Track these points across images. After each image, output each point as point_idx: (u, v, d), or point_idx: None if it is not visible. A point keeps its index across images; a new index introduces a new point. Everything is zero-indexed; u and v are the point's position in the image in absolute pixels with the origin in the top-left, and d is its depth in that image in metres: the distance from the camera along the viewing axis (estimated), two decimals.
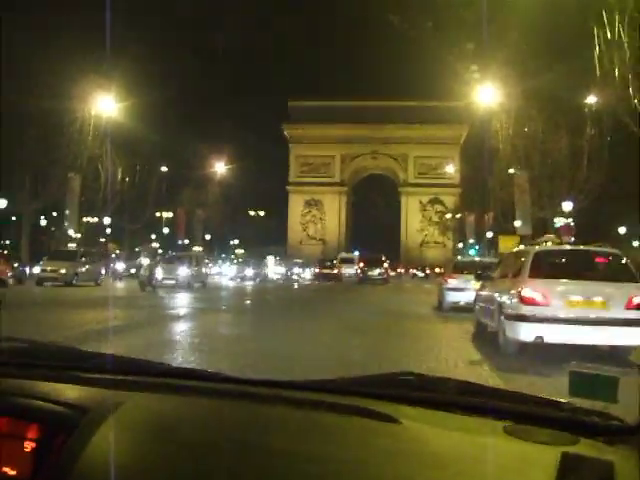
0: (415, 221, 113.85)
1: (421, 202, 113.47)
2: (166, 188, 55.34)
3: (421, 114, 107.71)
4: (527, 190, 33.53)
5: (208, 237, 68.40)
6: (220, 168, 60.02)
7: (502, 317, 12.31)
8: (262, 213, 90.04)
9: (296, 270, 60.91)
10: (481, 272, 16.40)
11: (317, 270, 59.30)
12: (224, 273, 56.97)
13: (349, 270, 56.71)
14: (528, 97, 32.27)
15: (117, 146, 43.51)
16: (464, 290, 20.40)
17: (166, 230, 63.69)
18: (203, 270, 39.11)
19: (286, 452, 1.32)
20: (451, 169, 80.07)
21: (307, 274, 65.40)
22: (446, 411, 1.54)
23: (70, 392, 1.61)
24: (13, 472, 1.38)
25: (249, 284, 46.15)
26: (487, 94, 32.83)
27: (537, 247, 13.08)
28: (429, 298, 26.67)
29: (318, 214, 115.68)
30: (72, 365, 1.86)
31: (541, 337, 11.15)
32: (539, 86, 31.45)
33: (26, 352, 2.01)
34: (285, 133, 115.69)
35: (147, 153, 48.20)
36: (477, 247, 56.92)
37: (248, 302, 30.48)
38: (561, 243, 15.16)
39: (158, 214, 64.24)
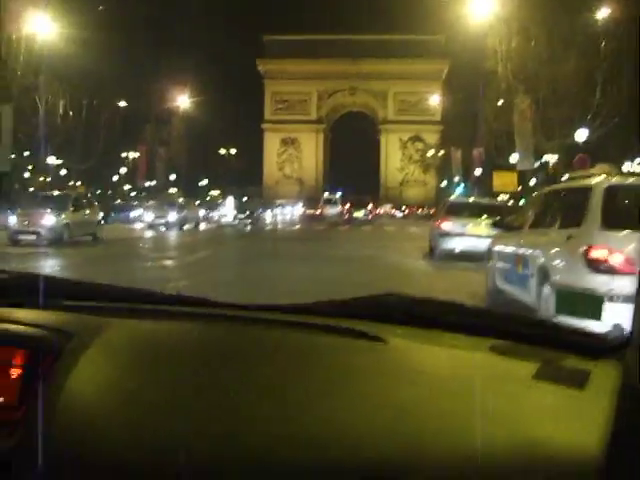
0: (395, 160, 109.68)
1: (401, 140, 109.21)
2: (122, 124, 49.43)
3: (400, 48, 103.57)
4: (530, 117, 28.59)
5: (173, 177, 62.68)
6: (184, 102, 53.55)
7: (548, 289, 7.56)
8: (233, 151, 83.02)
9: (249, 212, 45.85)
10: (500, 218, 12.09)
11: (302, 211, 61.96)
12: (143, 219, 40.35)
13: (332, 210, 56.61)
14: (532, 9, 27.20)
15: (59, 76, 37.54)
16: (460, 236, 17.55)
17: (124, 170, 58.30)
18: (93, 217, 27.39)
19: (273, 372, 1.32)
20: (436, 100, 74.33)
21: (280, 216, 60.09)
22: (431, 330, 1.54)
23: (55, 317, 1.57)
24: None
25: (175, 233, 35.34)
26: (481, 2, 27.64)
27: (605, 180, 8.29)
28: (417, 244, 23.61)
29: (295, 153, 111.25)
30: (57, 292, 1.76)
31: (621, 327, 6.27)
32: None
33: (9, 282, 1.91)
34: (259, 68, 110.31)
35: (96, 84, 42.17)
36: (464, 185, 52.03)
37: (167, 263, 19.31)
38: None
39: (124, 154, 59.47)
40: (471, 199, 22.82)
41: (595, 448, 1.04)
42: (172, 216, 37.16)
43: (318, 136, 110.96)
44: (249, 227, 39.68)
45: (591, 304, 1.61)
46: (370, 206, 53.17)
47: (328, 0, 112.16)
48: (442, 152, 70.10)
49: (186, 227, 38.14)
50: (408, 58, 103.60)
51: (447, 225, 18.24)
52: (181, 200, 40.17)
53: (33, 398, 1.28)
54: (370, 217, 51.10)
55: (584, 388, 1.22)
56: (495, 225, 11.73)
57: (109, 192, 62.37)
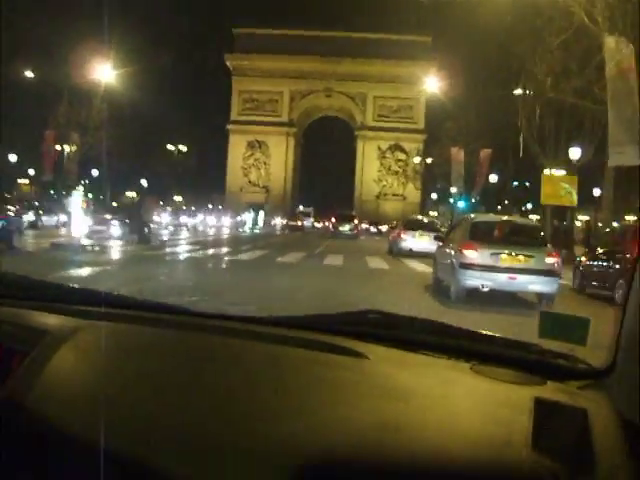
0: (372, 170, 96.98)
1: (380, 148, 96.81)
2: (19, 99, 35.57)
3: (382, 48, 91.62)
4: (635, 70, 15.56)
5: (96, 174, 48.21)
6: (110, 76, 38.63)
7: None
8: (184, 149, 67.95)
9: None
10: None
11: (285, 222, 67.54)
12: None
13: (307, 223, 68.35)
14: None
15: None
16: (491, 270, 12.38)
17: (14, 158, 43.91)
18: None
19: (250, 385, 1.29)
20: (420, 104, 61.02)
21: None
22: (413, 349, 1.52)
23: (29, 317, 1.56)
24: None
25: None
26: None
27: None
28: (412, 273, 19.23)
29: (262, 157, 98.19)
30: (34, 294, 1.77)
31: None
32: None
33: None
34: (227, 64, 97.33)
35: None
36: (468, 199, 38.58)
37: None
38: None
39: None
40: (504, 217, 16.20)
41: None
42: None
43: (288, 140, 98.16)
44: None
45: (576, 327, 1.45)
46: (355, 221, 49.73)
47: None
48: (430, 160, 57.02)
49: None
50: (391, 59, 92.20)
51: (471, 254, 12.72)
52: None
53: (3, 393, 1.25)
54: (355, 232, 47.98)
55: (568, 415, 1.21)
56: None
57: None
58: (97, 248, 19.63)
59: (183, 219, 48.40)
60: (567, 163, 23.93)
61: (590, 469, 1.03)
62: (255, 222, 61.01)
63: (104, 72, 38.80)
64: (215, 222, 57.07)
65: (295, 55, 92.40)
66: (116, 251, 21.06)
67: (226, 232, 48.79)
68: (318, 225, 75.08)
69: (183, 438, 1.11)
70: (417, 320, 1.71)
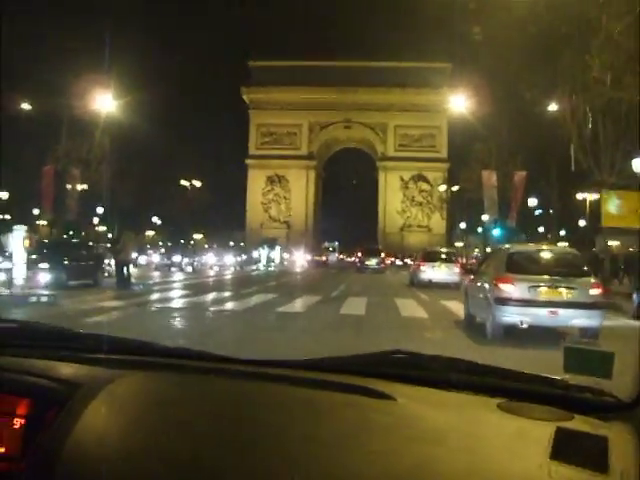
0: (395, 201, 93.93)
1: (402, 179, 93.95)
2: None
3: (402, 77, 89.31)
4: None
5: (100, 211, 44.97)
6: (113, 107, 35.96)
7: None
8: (198, 184, 64.13)
9: None
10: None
11: (310, 258, 67.41)
12: None
13: (332, 257, 70.32)
14: None
15: None
16: (529, 304, 11.37)
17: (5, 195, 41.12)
18: None
19: (281, 430, 1.27)
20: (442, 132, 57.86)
21: None
22: (440, 388, 1.51)
23: (62, 369, 1.54)
24: (1, 450, 1.31)
25: None
26: None
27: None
28: (437, 308, 16.96)
29: (282, 192, 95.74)
30: (64, 344, 1.77)
31: None
32: None
33: (16, 332, 1.88)
34: (244, 97, 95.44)
35: None
36: (503, 226, 34.65)
37: None
38: None
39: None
40: (544, 247, 13.99)
41: None
42: None
43: (309, 174, 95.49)
44: None
45: (601, 362, 1.42)
46: (382, 255, 49.88)
47: (321, 24, 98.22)
48: (456, 187, 53.56)
49: None
50: (410, 88, 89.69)
51: (508, 289, 11.59)
52: None
53: (36, 449, 1.23)
54: (382, 266, 47.93)
55: (588, 443, 1.21)
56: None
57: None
58: (44, 299, 15.11)
59: (176, 258, 43.63)
60: (630, 177, 20.34)
61: None
62: (269, 259, 56.21)
63: (105, 103, 36.06)
64: (215, 261, 49.55)
65: (312, 86, 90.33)
66: (73, 301, 16.63)
67: (233, 272, 44.05)
68: (348, 259, 75.39)
69: None
70: (442, 358, 1.67)
